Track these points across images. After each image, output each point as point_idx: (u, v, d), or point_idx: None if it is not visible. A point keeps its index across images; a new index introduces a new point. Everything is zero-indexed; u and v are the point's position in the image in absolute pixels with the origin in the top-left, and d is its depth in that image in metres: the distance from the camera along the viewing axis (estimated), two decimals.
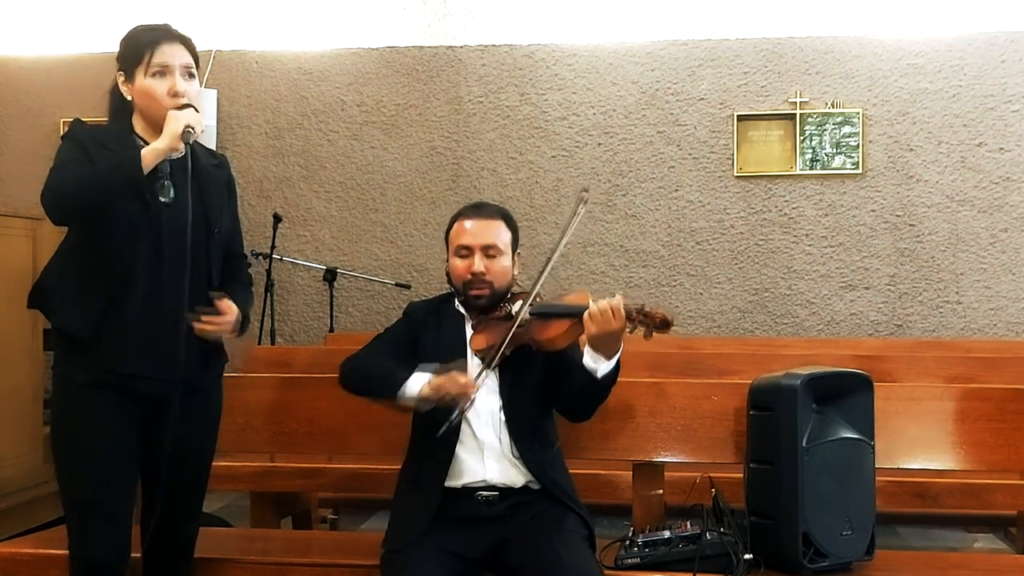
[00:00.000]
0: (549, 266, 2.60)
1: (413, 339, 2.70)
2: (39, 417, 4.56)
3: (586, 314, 2.43)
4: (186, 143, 2.29)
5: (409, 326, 2.74)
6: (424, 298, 2.97)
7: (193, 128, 2.30)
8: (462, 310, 2.71)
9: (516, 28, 6.12)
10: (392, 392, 2.52)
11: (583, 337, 2.50)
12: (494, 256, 2.65)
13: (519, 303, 2.59)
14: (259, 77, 6.28)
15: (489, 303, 2.65)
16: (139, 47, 2.41)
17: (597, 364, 2.47)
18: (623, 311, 2.41)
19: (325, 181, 6.25)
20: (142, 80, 2.40)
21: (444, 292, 2.82)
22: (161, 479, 2.46)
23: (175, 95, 2.37)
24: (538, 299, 2.61)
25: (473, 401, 2.47)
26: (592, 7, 6.05)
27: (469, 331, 2.66)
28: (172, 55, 2.40)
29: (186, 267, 2.37)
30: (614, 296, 2.45)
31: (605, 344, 2.45)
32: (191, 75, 2.44)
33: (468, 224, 2.69)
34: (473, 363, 2.60)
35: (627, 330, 2.45)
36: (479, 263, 2.63)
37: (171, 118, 2.31)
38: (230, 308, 2.44)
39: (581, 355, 2.51)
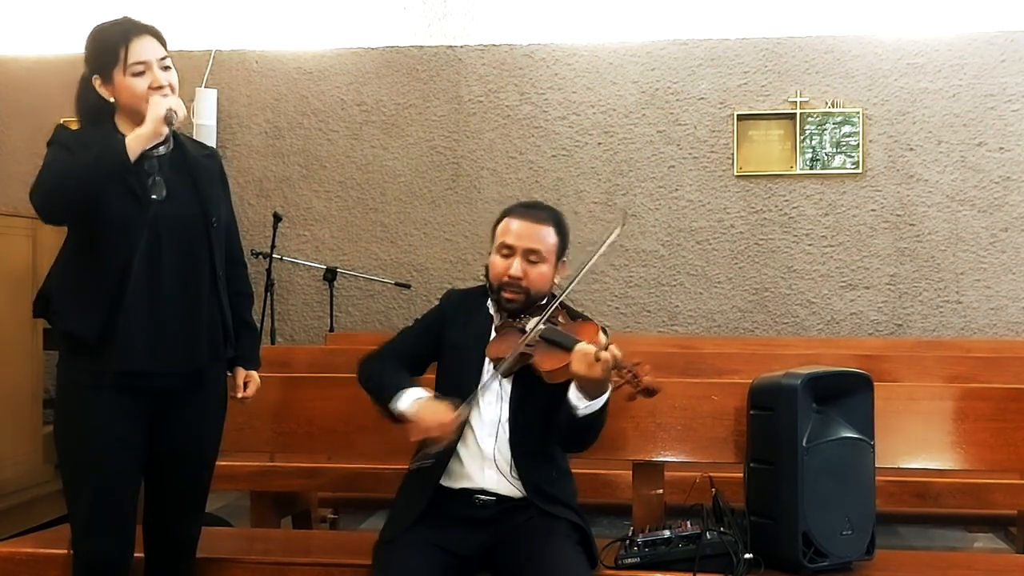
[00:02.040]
0: (571, 287, 2.55)
1: (442, 328, 2.67)
2: (39, 417, 4.56)
3: (574, 351, 2.35)
4: (169, 124, 2.29)
5: (439, 318, 2.70)
6: (463, 287, 2.90)
7: (175, 111, 2.30)
8: (491, 310, 2.65)
9: (516, 28, 6.12)
10: (385, 402, 2.52)
11: None
12: (535, 262, 2.57)
13: (536, 319, 2.50)
14: (259, 77, 6.28)
15: (520, 308, 2.59)
16: (111, 45, 2.39)
17: (579, 402, 2.40)
18: (610, 363, 2.30)
19: (325, 181, 6.25)
20: (122, 79, 2.38)
21: (483, 284, 2.72)
22: (165, 477, 2.47)
23: (158, 88, 2.37)
24: (559, 318, 2.54)
25: (452, 441, 2.43)
26: (592, 7, 6.05)
27: (492, 334, 2.61)
28: (146, 50, 2.39)
29: (186, 262, 2.38)
30: (611, 346, 2.32)
31: (588, 386, 2.38)
32: (166, 67, 2.43)
33: (515, 224, 2.60)
34: (488, 365, 2.56)
35: (612, 385, 2.38)
36: (517, 267, 2.55)
37: (153, 103, 2.31)
38: (251, 378, 2.61)
39: None
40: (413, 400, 2.48)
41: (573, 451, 2.63)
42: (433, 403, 2.47)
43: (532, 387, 2.52)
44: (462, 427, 2.50)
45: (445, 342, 2.64)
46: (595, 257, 2.54)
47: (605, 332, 2.54)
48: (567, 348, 2.41)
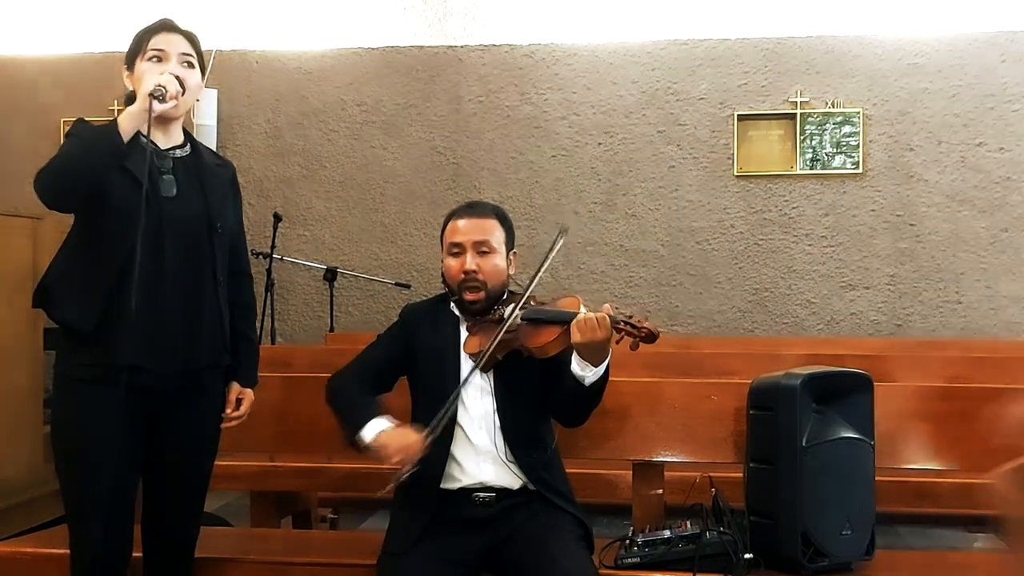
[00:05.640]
0: (539, 274, 2.58)
1: (407, 344, 2.68)
2: (39, 417, 4.55)
3: (572, 322, 2.41)
4: (155, 98, 2.28)
5: (403, 330, 2.72)
6: (423, 298, 2.97)
7: (164, 86, 2.29)
8: (457, 312, 2.68)
9: (516, 28, 6.12)
10: (351, 436, 2.51)
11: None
12: (486, 253, 2.61)
13: (511, 306, 2.56)
14: (259, 77, 6.29)
15: (484, 307, 2.61)
16: (139, 37, 2.44)
17: (585, 372, 2.46)
18: (609, 321, 2.40)
19: (325, 181, 6.25)
20: (139, 65, 2.41)
21: (440, 293, 2.79)
22: (162, 478, 2.47)
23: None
24: (531, 303, 2.58)
25: (416, 466, 2.42)
26: (592, 7, 6.05)
27: (464, 333, 2.64)
28: (169, 42, 2.42)
29: (188, 263, 2.39)
30: (604, 304, 2.45)
31: (592, 352, 2.43)
32: (190, 64, 2.43)
33: (461, 223, 2.65)
34: (467, 365, 2.58)
35: (614, 339, 2.44)
36: (471, 261, 2.59)
37: (144, 81, 2.32)
38: (245, 395, 2.58)
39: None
40: (378, 432, 2.47)
41: (576, 424, 2.67)
42: (397, 431, 2.47)
43: (515, 374, 2.56)
44: (450, 434, 2.52)
45: (416, 350, 2.65)
46: (545, 261, 2.57)
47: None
48: (557, 322, 2.47)
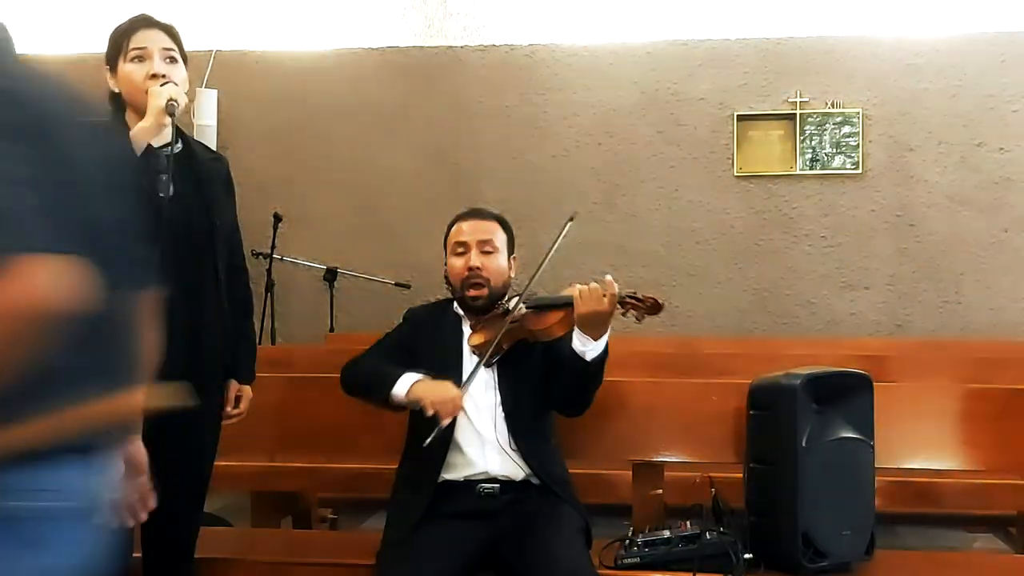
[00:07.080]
0: (544, 264, 2.64)
1: (411, 342, 2.75)
2: None
3: (576, 292, 2.47)
4: (171, 115, 2.29)
5: (408, 330, 2.80)
6: (424, 303, 3.01)
7: (176, 101, 2.31)
8: (460, 312, 2.74)
9: (516, 28, 6.12)
10: (383, 393, 2.56)
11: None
12: (490, 253, 2.70)
13: (514, 300, 2.65)
14: (259, 77, 6.28)
15: (487, 304, 2.68)
16: (118, 35, 2.43)
17: (586, 347, 2.51)
18: (615, 290, 2.46)
19: (325, 181, 6.25)
20: (123, 67, 2.40)
21: (443, 298, 2.86)
22: (161, 479, 2.47)
23: (153, 76, 2.37)
24: (536, 294, 2.66)
25: (454, 417, 2.51)
26: (592, 7, 6.05)
27: (467, 331, 2.70)
28: (149, 39, 2.40)
29: (189, 263, 2.38)
30: (606, 275, 2.51)
31: (593, 325, 2.48)
32: (172, 59, 2.43)
33: (465, 225, 2.78)
34: (470, 361, 2.62)
35: (619, 313, 2.51)
36: (476, 258, 2.69)
37: (152, 95, 2.32)
38: (243, 392, 2.59)
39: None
40: (412, 383, 2.53)
41: (578, 410, 2.69)
42: (432, 382, 2.53)
43: (518, 367, 2.63)
44: (455, 423, 2.57)
45: (419, 349, 2.72)
46: (554, 246, 2.66)
47: None
48: (561, 305, 2.55)
